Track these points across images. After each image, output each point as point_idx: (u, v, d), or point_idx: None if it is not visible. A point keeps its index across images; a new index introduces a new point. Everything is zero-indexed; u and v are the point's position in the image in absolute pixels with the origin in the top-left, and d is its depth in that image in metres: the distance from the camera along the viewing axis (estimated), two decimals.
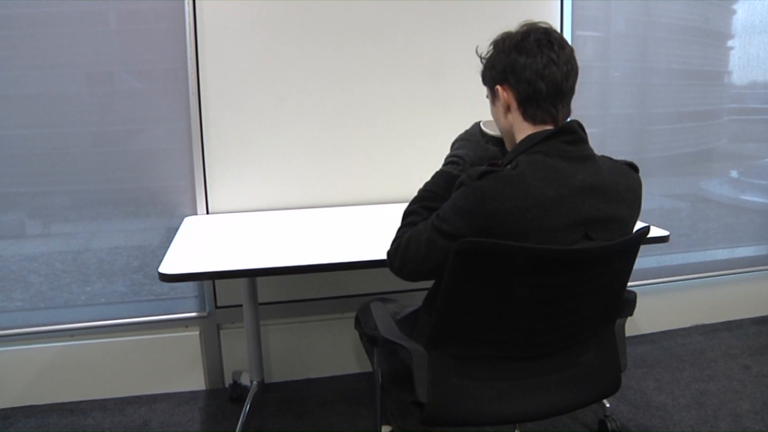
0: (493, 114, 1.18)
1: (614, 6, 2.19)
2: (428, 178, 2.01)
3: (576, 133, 1.05)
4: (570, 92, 1.08)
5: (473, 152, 1.25)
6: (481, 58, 1.15)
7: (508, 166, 1.03)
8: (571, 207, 1.00)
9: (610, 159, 1.11)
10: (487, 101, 1.18)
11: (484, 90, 1.18)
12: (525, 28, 1.08)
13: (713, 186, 2.51)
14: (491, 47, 1.12)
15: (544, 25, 1.08)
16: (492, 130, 1.24)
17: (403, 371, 1.12)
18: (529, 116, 1.08)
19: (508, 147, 1.17)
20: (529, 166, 1.00)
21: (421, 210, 1.19)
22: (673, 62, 2.31)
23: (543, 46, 1.04)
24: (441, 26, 1.99)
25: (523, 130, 1.09)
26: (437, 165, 2.12)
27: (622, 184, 1.06)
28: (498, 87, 1.10)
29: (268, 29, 1.88)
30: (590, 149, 1.07)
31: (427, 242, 1.06)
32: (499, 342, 1.08)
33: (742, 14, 2.36)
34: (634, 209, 1.10)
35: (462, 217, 1.00)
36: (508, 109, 1.11)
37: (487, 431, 1.70)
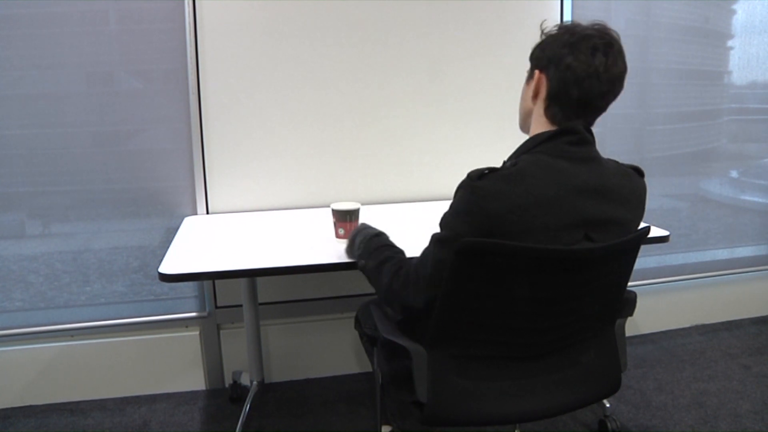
0: (523, 91, 1.16)
1: (614, 6, 2.19)
2: (427, 178, 2.00)
3: (580, 134, 1.04)
4: (600, 110, 1.06)
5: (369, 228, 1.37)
6: (542, 32, 1.11)
7: (508, 164, 1.03)
8: (571, 206, 0.99)
9: (617, 162, 1.11)
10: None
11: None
12: (591, 31, 1.03)
13: (713, 186, 2.51)
14: (555, 28, 1.09)
15: (614, 34, 1.04)
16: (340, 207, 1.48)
17: (403, 371, 1.12)
18: (549, 113, 1.07)
19: (521, 129, 1.16)
20: (529, 165, 1.00)
21: (394, 252, 1.23)
22: (673, 62, 2.31)
23: (596, 56, 1.01)
24: (440, 26, 1.98)
25: (539, 124, 1.09)
26: (436, 165, 2.12)
27: (626, 187, 1.06)
28: (537, 71, 1.09)
29: (268, 29, 1.88)
30: (596, 151, 1.07)
31: (434, 262, 1.04)
32: (500, 342, 1.08)
33: (742, 14, 2.36)
34: (637, 213, 1.10)
35: (462, 219, 1.00)
36: (536, 95, 1.10)
37: (487, 431, 1.70)
